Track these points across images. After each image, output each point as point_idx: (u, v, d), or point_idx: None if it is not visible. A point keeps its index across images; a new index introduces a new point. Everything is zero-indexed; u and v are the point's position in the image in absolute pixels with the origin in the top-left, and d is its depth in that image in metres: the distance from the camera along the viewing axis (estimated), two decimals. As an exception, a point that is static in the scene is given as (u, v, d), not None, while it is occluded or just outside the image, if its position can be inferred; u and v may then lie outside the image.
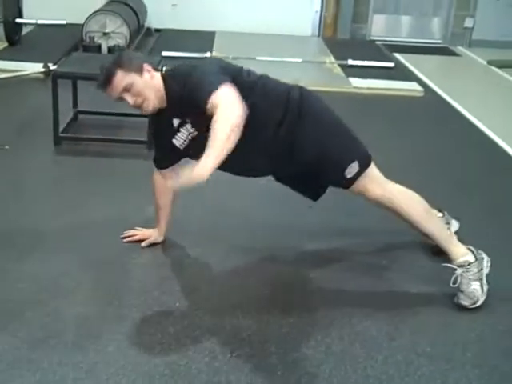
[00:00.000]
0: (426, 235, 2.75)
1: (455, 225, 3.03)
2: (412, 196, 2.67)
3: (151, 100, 2.49)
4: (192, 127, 2.51)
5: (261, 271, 2.78)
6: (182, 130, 2.54)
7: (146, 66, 2.51)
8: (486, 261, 2.62)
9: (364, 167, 2.60)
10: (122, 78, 2.46)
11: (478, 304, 2.54)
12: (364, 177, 2.59)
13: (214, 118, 2.21)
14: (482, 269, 2.58)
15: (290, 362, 2.21)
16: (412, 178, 3.81)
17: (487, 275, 2.59)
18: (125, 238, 2.92)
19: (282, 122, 2.49)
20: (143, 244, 2.86)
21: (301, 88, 2.60)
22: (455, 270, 2.58)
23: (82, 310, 2.42)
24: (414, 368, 2.21)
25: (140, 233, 2.91)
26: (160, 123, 2.64)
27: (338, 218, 3.13)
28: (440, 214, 2.98)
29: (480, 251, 2.64)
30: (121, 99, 2.50)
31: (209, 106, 2.25)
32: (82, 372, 2.10)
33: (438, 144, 4.57)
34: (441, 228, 2.74)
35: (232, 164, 2.30)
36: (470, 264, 2.57)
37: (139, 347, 2.24)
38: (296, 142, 2.52)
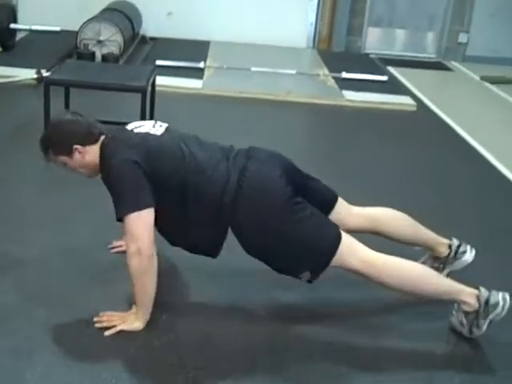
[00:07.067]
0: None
1: (469, 255, 2.75)
2: (399, 265, 2.42)
3: (87, 173, 2.52)
4: None
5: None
6: None
7: (76, 148, 2.42)
8: (499, 305, 2.38)
9: (321, 268, 2.36)
10: (54, 158, 2.52)
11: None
12: (337, 255, 2.35)
13: None
14: (477, 317, 2.40)
15: None
16: (402, 192, 3.84)
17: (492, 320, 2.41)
18: (112, 248, 2.90)
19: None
20: None
21: (238, 190, 2.32)
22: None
23: (66, 320, 2.41)
24: None
25: None
26: None
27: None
28: (446, 252, 2.74)
29: (494, 294, 2.40)
30: None
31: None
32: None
33: (429, 159, 4.56)
34: (438, 291, 2.46)
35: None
36: (468, 313, 2.42)
37: (125, 361, 2.22)
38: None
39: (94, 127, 2.48)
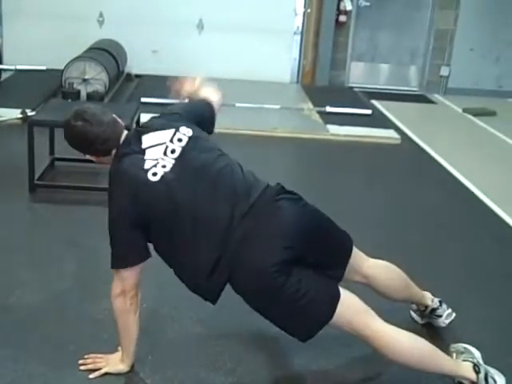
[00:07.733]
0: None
1: (442, 320, 2.76)
2: (403, 344, 2.29)
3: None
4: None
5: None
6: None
7: (90, 157, 2.39)
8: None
9: (311, 334, 2.26)
10: None
11: None
12: (333, 321, 2.23)
13: None
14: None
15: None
16: (387, 227, 3.85)
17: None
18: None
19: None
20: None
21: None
22: None
23: (51, 362, 2.37)
24: None
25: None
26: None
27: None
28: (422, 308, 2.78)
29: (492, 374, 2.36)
30: None
31: None
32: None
33: (413, 193, 4.59)
34: (440, 372, 2.39)
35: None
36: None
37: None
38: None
39: (102, 142, 2.30)
